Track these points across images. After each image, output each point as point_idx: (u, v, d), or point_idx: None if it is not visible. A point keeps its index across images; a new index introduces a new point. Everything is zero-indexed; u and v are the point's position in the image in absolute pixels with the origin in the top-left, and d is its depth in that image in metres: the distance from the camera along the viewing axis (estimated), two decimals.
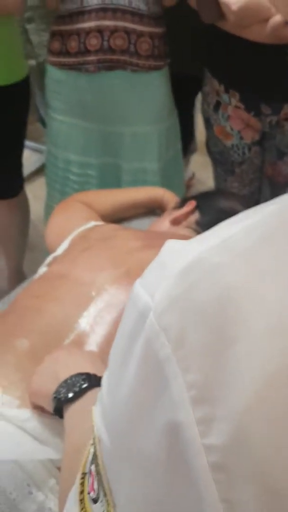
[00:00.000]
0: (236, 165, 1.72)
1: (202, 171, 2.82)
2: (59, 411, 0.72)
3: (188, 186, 2.75)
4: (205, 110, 1.69)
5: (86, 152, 1.76)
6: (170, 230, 1.20)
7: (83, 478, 0.42)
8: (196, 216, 1.21)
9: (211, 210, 1.22)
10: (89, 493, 0.40)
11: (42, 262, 2.15)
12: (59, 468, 0.73)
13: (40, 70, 1.94)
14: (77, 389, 0.70)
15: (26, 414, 0.77)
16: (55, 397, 0.72)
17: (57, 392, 0.72)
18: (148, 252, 1.05)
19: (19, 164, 1.92)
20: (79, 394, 0.70)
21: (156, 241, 1.10)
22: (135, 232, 1.16)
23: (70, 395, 0.70)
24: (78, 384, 0.71)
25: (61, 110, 1.73)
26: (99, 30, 1.56)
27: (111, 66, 1.61)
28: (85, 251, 1.08)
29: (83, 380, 0.71)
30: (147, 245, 1.07)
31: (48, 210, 1.93)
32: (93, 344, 0.90)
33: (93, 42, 1.58)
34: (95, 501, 0.39)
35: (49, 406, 0.74)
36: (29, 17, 1.82)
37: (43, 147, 2.93)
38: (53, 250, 1.22)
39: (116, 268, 1.01)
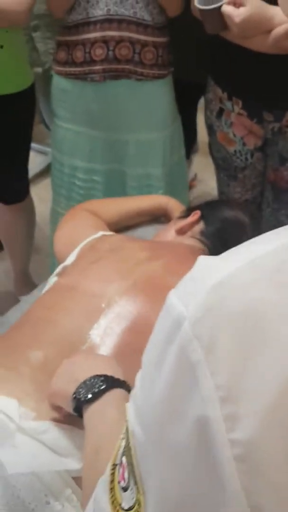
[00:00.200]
0: (239, 170, 1.75)
1: (204, 171, 2.86)
2: (78, 411, 0.76)
3: (191, 186, 2.78)
4: (208, 116, 1.72)
5: (92, 158, 1.79)
6: (176, 239, 1.24)
7: (113, 469, 0.46)
8: (201, 226, 1.25)
9: (215, 220, 1.25)
10: (119, 482, 0.45)
11: (47, 264, 2.20)
12: (74, 478, 0.77)
13: (45, 77, 1.96)
14: (96, 390, 0.74)
15: (42, 426, 0.80)
16: (74, 397, 0.76)
17: (76, 392, 0.76)
18: (154, 263, 1.09)
19: (25, 170, 1.95)
20: (98, 395, 0.74)
21: (162, 252, 1.14)
22: (142, 243, 1.19)
23: (89, 396, 0.74)
24: (97, 385, 0.75)
25: (67, 118, 1.76)
26: (104, 41, 1.59)
27: (116, 75, 1.64)
28: (94, 263, 1.11)
29: (102, 381, 0.75)
30: (154, 256, 1.11)
31: (54, 214, 1.97)
32: (102, 353, 0.94)
33: (99, 52, 1.60)
34: (125, 489, 0.44)
35: (69, 406, 0.78)
36: (35, 25, 1.85)
37: (47, 149, 2.96)
38: (62, 260, 1.26)
39: (124, 280, 1.04)
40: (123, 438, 0.45)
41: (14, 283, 2.25)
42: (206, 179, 2.88)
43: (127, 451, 0.44)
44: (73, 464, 0.77)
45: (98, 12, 1.56)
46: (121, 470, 0.45)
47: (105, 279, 1.05)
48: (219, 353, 0.36)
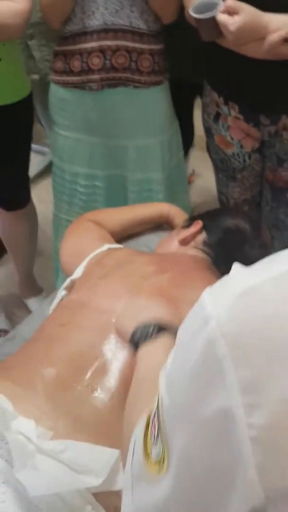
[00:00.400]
0: (237, 171, 1.78)
1: (201, 166, 2.88)
2: (135, 346, 0.90)
3: (189, 182, 2.81)
4: (206, 120, 1.75)
5: (92, 165, 1.82)
6: (179, 250, 1.27)
7: (148, 422, 0.56)
8: (203, 236, 1.28)
9: (217, 230, 1.28)
10: (151, 437, 0.54)
11: (50, 266, 2.23)
12: (94, 494, 0.81)
13: (42, 84, 1.98)
14: (150, 329, 0.89)
15: (60, 446, 0.84)
16: (132, 337, 0.90)
17: (134, 333, 0.91)
18: (160, 277, 1.12)
19: (26, 177, 1.98)
20: (152, 336, 0.88)
21: (167, 265, 1.17)
22: (148, 257, 1.22)
23: (145, 336, 0.88)
24: (152, 328, 0.89)
25: (66, 126, 1.78)
26: (101, 50, 1.61)
27: (114, 83, 1.66)
28: (102, 278, 1.14)
29: (156, 326, 0.89)
30: (159, 270, 1.14)
31: (56, 220, 2.00)
32: (115, 370, 0.97)
33: (96, 61, 1.62)
34: (154, 445, 0.53)
35: (126, 340, 0.93)
36: (31, 33, 1.86)
37: (45, 149, 2.99)
38: (69, 272, 1.29)
39: (132, 294, 1.07)
40: (156, 401, 0.54)
41: (18, 286, 2.29)
42: (203, 173, 2.91)
43: (157, 413, 0.53)
44: (92, 481, 0.81)
45: (94, 22, 1.58)
46: (153, 427, 0.54)
47: (113, 295, 1.08)
48: (242, 351, 0.44)
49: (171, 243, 1.30)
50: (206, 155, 1.88)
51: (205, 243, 1.26)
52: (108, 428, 0.90)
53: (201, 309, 0.48)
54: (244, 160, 1.73)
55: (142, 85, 1.68)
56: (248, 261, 0.54)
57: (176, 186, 1.89)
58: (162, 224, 1.50)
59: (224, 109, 1.64)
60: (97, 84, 1.66)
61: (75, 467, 0.82)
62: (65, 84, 1.71)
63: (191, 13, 1.42)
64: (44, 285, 2.35)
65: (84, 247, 1.30)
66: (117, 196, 1.87)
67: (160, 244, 1.35)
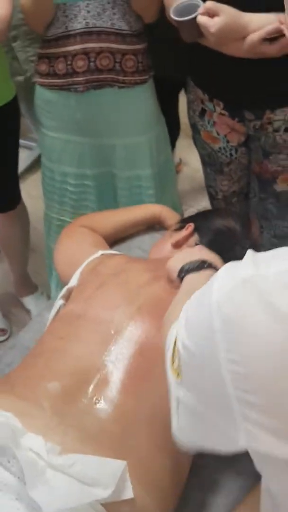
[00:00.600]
0: (225, 165, 1.80)
1: (187, 153, 2.89)
2: (181, 277, 1.04)
3: (177, 171, 2.83)
4: (191, 116, 1.76)
5: (81, 164, 1.84)
6: (173, 254, 1.30)
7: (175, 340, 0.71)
8: (195, 238, 1.31)
9: (209, 232, 1.31)
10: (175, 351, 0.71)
11: (43, 262, 2.25)
12: (104, 505, 0.85)
13: (27, 85, 1.98)
14: (196, 264, 1.05)
15: (70, 460, 0.87)
16: (181, 268, 1.05)
17: (182, 268, 1.05)
18: (156, 285, 1.15)
19: (15, 178, 1.98)
20: (197, 269, 1.04)
21: (162, 272, 1.20)
22: (142, 264, 1.25)
23: (191, 269, 1.04)
24: (197, 264, 1.05)
25: (53, 127, 1.79)
26: (85, 52, 1.62)
27: (99, 85, 1.67)
28: (98, 288, 1.17)
29: (201, 262, 1.05)
30: (155, 278, 1.17)
31: (48, 219, 2.02)
32: (117, 380, 1.00)
33: (80, 64, 1.63)
34: (177, 356, 0.69)
35: (175, 275, 1.07)
36: (14, 35, 1.86)
37: (32, 144, 2.98)
38: (65, 280, 1.32)
39: (129, 304, 1.10)
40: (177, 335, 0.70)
41: (14, 285, 2.31)
42: (190, 161, 2.92)
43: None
44: (102, 492, 0.85)
45: (77, 25, 1.58)
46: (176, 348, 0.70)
47: (111, 306, 1.11)
48: (233, 329, 0.58)
49: (164, 247, 1.33)
50: (191, 142, 1.89)
51: (197, 245, 1.29)
52: (113, 439, 0.94)
53: (214, 281, 0.62)
54: (231, 154, 1.76)
55: (127, 85, 1.69)
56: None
57: (165, 182, 1.91)
58: (154, 225, 1.53)
59: (209, 105, 1.66)
60: (82, 86, 1.67)
61: (84, 480, 0.86)
62: (50, 87, 1.71)
63: (172, 15, 1.43)
64: (38, 281, 2.37)
65: (78, 255, 1.33)
66: (107, 194, 1.89)
67: (154, 249, 1.38)
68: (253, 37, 1.38)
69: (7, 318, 2.31)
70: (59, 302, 1.26)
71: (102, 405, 0.97)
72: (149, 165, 1.83)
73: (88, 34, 1.59)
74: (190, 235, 1.31)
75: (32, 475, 0.84)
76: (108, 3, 1.56)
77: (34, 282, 2.35)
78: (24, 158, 2.94)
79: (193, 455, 1.04)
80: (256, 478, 1.03)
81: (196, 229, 1.32)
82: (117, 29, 1.60)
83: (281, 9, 1.36)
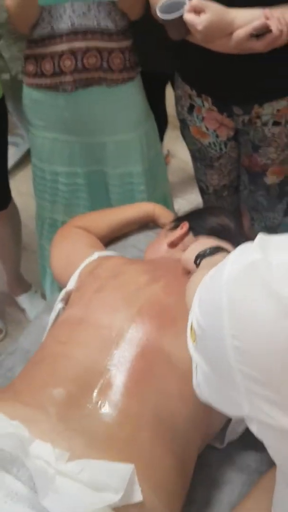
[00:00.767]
0: (215, 160, 1.81)
1: (175, 145, 2.90)
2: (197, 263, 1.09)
3: (166, 163, 2.83)
4: (180, 112, 1.77)
5: (72, 163, 1.84)
6: (168, 253, 1.31)
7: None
8: (190, 237, 1.32)
9: (203, 230, 1.32)
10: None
11: (35, 259, 2.25)
12: (114, 509, 0.87)
13: (13, 83, 1.98)
14: (209, 250, 1.08)
15: (78, 466, 0.88)
16: (197, 256, 1.09)
17: (198, 255, 1.09)
18: (154, 286, 1.16)
19: (5, 178, 1.98)
20: (211, 254, 1.08)
21: (159, 273, 1.21)
22: (140, 266, 1.26)
23: (206, 255, 1.08)
24: (212, 249, 1.09)
25: (42, 127, 1.79)
26: (72, 52, 1.61)
27: (86, 84, 1.67)
28: (97, 292, 1.18)
29: (214, 247, 1.09)
30: (153, 279, 1.18)
31: (40, 219, 2.02)
32: (121, 384, 1.02)
33: (67, 63, 1.63)
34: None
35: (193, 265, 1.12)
36: None
37: (18, 140, 2.97)
38: (62, 283, 1.32)
39: (129, 307, 1.12)
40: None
41: (7, 285, 2.31)
42: (178, 153, 2.93)
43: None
44: (112, 497, 0.86)
45: (63, 26, 1.58)
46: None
47: (111, 309, 1.12)
48: (237, 310, 0.64)
49: (160, 247, 1.34)
50: (179, 134, 1.90)
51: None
52: (119, 442, 0.95)
53: (225, 262, 0.68)
54: (221, 149, 1.77)
55: (115, 82, 1.69)
56: None
57: (156, 177, 1.92)
58: (147, 223, 1.54)
59: (198, 101, 1.67)
60: (70, 86, 1.66)
61: (94, 486, 0.87)
62: (38, 87, 1.71)
63: (158, 14, 1.42)
64: (30, 279, 2.38)
65: (75, 257, 1.33)
66: (99, 191, 1.89)
67: (149, 249, 1.39)
68: (240, 33, 1.39)
69: (2, 318, 2.31)
70: (59, 305, 1.27)
71: (106, 409, 0.98)
72: (140, 161, 1.83)
73: (74, 33, 1.59)
74: (185, 234, 1.32)
75: (43, 483, 0.86)
76: (93, 2, 1.56)
77: (28, 281, 2.36)
78: (11, 155, 2.92)
79: (197, 454, 1.06)
80: (258, 473, 1.05)
81: (190, 228, 1.33)
82: (102, 28, 1.60)
83: (266, 4, 1.38)
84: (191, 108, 1.70)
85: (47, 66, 1.65)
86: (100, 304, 1.15)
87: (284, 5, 1.36)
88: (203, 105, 1.66)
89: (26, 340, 1.34)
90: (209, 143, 1.75)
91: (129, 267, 1.25)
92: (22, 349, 1.32)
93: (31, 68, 1.69)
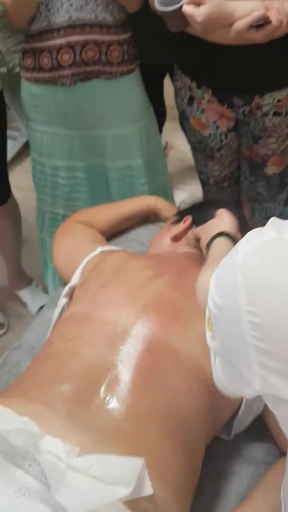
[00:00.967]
0: (215, 151, 1.81)
1: (173, 136, 2.89)
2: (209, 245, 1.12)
3: (165, 155, 2.82)
4: (179, 104, 1.76)
5: (72, 157, 1.83)
6: (172, 247, 1.31)
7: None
8: (193, 231, 1.32)
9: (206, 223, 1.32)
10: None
11: (35, 253, 2.25)
12: (125, 502, 0.87)
13: (11, 76, 1.97)
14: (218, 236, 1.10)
15: (89, 461, 0.89)
16: (208, 243, 1.12)
17: (209, 241, 1.13)
18: (158, 281, 1.16)
19: (4, 172, 1.97)
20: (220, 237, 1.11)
21: (163, 268, 1.21)
22: (144, 261, 1.26)
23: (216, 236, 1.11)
24: (221, 234, 1.12)
25: (42, 121, 1.78)
26: (70, 46, 1.60)
27: (85, 77, 1.66)
28: (101, 288, 1.18)
29: (225, 233, 1.13)
30: (157, 274, 1.18)
31: (41, 213, 2.01)
32: (127, 379, 1.02)
33: (66, 57, 1.62)
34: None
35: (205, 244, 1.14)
36: None
37: (15, 133, 2.96)
38: (67, 279, 1.32)
39: (134, 303, 1.12)
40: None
41: (8, 279, 2.31)
42: (177, 144, 2.92)
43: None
44: (123, 491, 0.87)
45: (60, 19, 1.57)
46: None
47: (116, 306, 1.12)
48: (253, 282, 0.65)
49: (163, 241, 1.34)
50: (177, 125, 1.89)
51: (196, 238, 1.30)
52: (128, 436, 0.96)
53: (241, 242, 0.69)
54: (221, 140, 1.76)
55: (114, 75, 1.68)
56: None
57: (156, 170, 1.91)
58: (149, 217, 1.54)
59: (198, 92, 1.66)
60: (69, 80, 1.66)
61: (105, 480, 0.88)
62: (36, 81, 1.70)
63: (157, 6, 1.42)
64: (31, 273, 2.38)
65: (77, 252, 1.33)
66: (99, 185, 1.89)
67: (153, 243, 1.39)
68: (240, 24, 1.38)
69: (4, 312, 2.31)
70: (63, 301, 1.27)
71: (114, 404, 0.99)
72: (140, 154, 1.83)
73: (71, 27, 1.58)
74: (188, 228, 1.32)
75: (55, 478, 0.86)
76: None
77: (29, 276, 2.36)
78: (9, 149, 2.90)
79: (205, 447, 1.07)
80: (266, 465, 1.06)
81: (193, 222, 1.33)
82: (100, 21, 1.59)
83: None
84: (191, 99, 1.70)
85: (45, 60, 1.64)
86: (104, 300, 1.15)
87: None
88: (203, 97, 1.66)
89: (31, 335, 1.34)
90: (210, 135, 1.75)
91: (132, 262, 1.25)
92: (26, 344, 1.32)
93: (29, 62, 1.68)
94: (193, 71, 1.64)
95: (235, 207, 1.49)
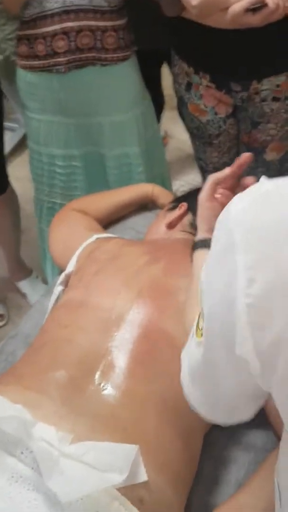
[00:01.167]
0: (214, 137, 1.79)
1: (173, 125, 2.86)
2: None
3: (163, 144, 2.80)
4: (177, 89, 1.74)
5: (68, 145, 1.82)
6: (167, 234, 1.29)
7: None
8: (189, 217, 1.30)
9: None
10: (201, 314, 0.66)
11: (34, 244, 2.24)
12: (119, 489, 0.86)
13: (7, 64, 1.95)
14: (204, 244, 0.99)
15: (83, 448, 0.88)
16: (195, 243, 1.01)
17: (194, 244, 1.02)
18: (154, 267, 1.15)
19: (2, 163, 1.96)
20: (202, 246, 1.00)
21: (159, 254, 1.20)
22: (139, 247, 1.25)
23: (201, 245, 1.00)
24: (206, 243, 0.99)
25: (38, 109, 1.77)
26: (64, 32, 1.58)
27: (80, 64, 1.64)
28: (97, 275, 1.16)
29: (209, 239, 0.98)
30: (152, 260, 1.17)
31: (39, 203, 2.00)
32: (123, 366, 1.01)
33: (60, 44, 1.60)
34: (201, 318, 0.65)
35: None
36: None
37: (14, 125, 2.94)
38: (62, 266, 1.31)
39: (129, 289, 1.10)
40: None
41: (8, 271, 2.30)
42: (176, 133, 2.90)
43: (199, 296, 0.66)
44: (117, 477, 0.86)
45: (54, 5, 1.55)
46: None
47: (111, 292, 1.11)
48: (252, 238, 0.53)
49: (158, 228, 1.33)
50: (176, 114, 1.87)
51: (192, 224, 1.29)
52: (123, 423, 0.95)
53: (231, 202, 0.59)
54: (220, 126, 1.74)
55: (110, 62, 1.66)
56: None
57: (154, 158, 1.89)
58: (146, 204, 1.52)
59: (195, 78, 1.64)
60: (64, 67, 1.64)
61: (98, 467, 0.86)
62: (31, 69, 1.68)
63: None
64: (30, 263, 2.37)
65: (73, 240, 1.32)
66: (96, 174, 1.87)
67: (149, 231, 1.37)
68: (236, 7, 1.36)
69: (4, 303, 2.30)
70: (58, 288, 1.26)
71: (109, 391, 0.97)
72: (137, 142, 1.81)
73: (66, 13, 1.56)
74: (184, 214, 1.31)
75: (47, 465, 0.85)
76: None
77: (29, 267, 2.35)
78: (8, 140, 2.89)
79: (203, 434, 1.06)
80: (265, 452, 1.05)
81: (189, 208, 1.32)
82: (95, 6, 1.57)
83: None
84: (188, 85, 1.68)
85: (40, 47, 1.63)
86: (99, 286, 1.14)
87: None
88: (201, 82, 1.64)
89: (27, 324, 1.33)
90: (208, 121, 1.73)
91: (128, 248, 1.23)
92: (22, 333, 1.31)
93: (24, 49, 1.67)
94: (190, 56, 1.62)
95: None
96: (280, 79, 1.56)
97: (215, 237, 0.61)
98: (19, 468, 0.88)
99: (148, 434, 0.95)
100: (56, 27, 1.58)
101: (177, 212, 1.31)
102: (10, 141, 2.90)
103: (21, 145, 2.95)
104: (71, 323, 1.08)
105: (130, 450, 0.89)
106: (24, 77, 1.73)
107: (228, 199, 0.83)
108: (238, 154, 1.88)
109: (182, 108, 1.80)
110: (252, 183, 1.04)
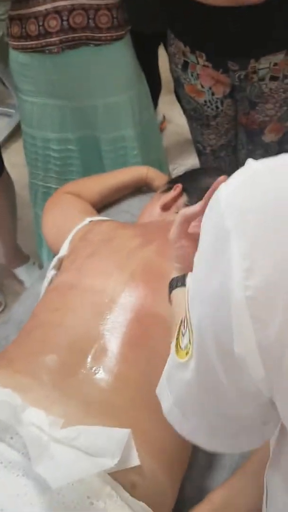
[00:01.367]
0: (211, 118, 1.76)
1: (170, 110, 2.83)
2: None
3: (161, 129, 2.77)
4: (174, 70, 1.71)
5: (63, 128, 1.78)
6: (161, 216, 1.27)
7: (180, 325, 0.64)
8: (184, 199, 1.27)
9: (197, 191, 1.27)
10: (181, 332, 0.63)
11: (28, 231, 2.21)
12: (111, 474, 0.85)
13: (1, 45, 1.91)
14: (180, 283, 0.90)
15: (74, 433, 0.86)
16: (170, 283, 0.92)
17: (170, 282, 0.92)
18: (147, 249, 1.12)
19: None
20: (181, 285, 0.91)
21: (152, 236, 1.17)
22: (132, 229, 1.22)
23: (177, 284, 0.91)
24: (182, 280, 0.90)
25: (31, 91, 1.73)
26: (57, 11, 1.55)
27: (74, 44, 1.61)
28: (89, 257, 1.14)
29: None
30: (145, 242, 1.14)
31: (34, 187, 1.97)
32: (115, 349, 0.99)
33: (53, 23, 1.57)
34: (183, 334, 0.61)
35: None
36: None
37: (10, 110, 2.91)
38: (56, 251, 1.29)
39: (121, 271, 1.08)
40: (185, 302, 0.62)
41: (5, 258, 2.28)
42: (174, 118, 2.86)
43: (186, 308, 0.60)
44: (108, 462, 0.84)
45: None
46: (184, 324, 0.62)
47: (103, 274, 1.09)
48: (246, 222, 0.48)
49: (153, 210, 1.30)
50: (174, 98, 1.83)
51: (186, 206, 1.26)
52: (115, 408, 0.93)
53: (219, 188, 0.53)
54: (217, 107, 1.71)
55: (103, 42, 1.62)
56: None
57: (149, 141, 1.86)
58: (141, 187, 1.49)
59: (192, 58, 1.61)
60: (56, 47, 1.60)
61: (90, 451, 0.85)
62: (24, 49, 1.65)
63: None
64: (27, 250, 2.34)
65: (66, 223, 1.30)
66: (91, 157, 1.84)
67: (143, 213, 1.35)
68: None
69: (1, 290, 2.28)
70: (51, 272, 1.24)
71: (101, 375, 0.95)
72: (132, 124, 1.78)
73: None
74: (178, 196, 1.28)
75: (36, 450, 0.83)
76: None
77: (26, 253, 2.32)
78: (4, 126, 2.87)
79: None
80: None
81: (184, 190, 1.29)
82: None
83: None
84: (185, 65, 1.65)
85: (32, 27, 1.59)
86: (91, 269, 1.11)
87: None
88: (198, 62, 1.60)
89: (20, 309, 1.31)
90: (205, 101, 1.70)
91: (121, 231, 1.21)
92: (15, 318, 1.29)
93: (16, 29, 1.63)
94: (186, 35, 1.59)
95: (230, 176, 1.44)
96: (278, 57, 1.52)
97: (204, 229, 0.55)
98: (9, 453, 0.86)
99: (141, 418, 0.93)
100: (48, 6, 1.54)
101: (172, 193, 1.28)
102: (6, 126, 2.87)
103: (18, 130, 2.90)
104: (61, 306, 1.06)
105: (122, 434, 0.87)
106: (16, 58, 1.69)
107: None
108: (236, 136, 1.85)
109: (178, 89, 1.76)
110: None
